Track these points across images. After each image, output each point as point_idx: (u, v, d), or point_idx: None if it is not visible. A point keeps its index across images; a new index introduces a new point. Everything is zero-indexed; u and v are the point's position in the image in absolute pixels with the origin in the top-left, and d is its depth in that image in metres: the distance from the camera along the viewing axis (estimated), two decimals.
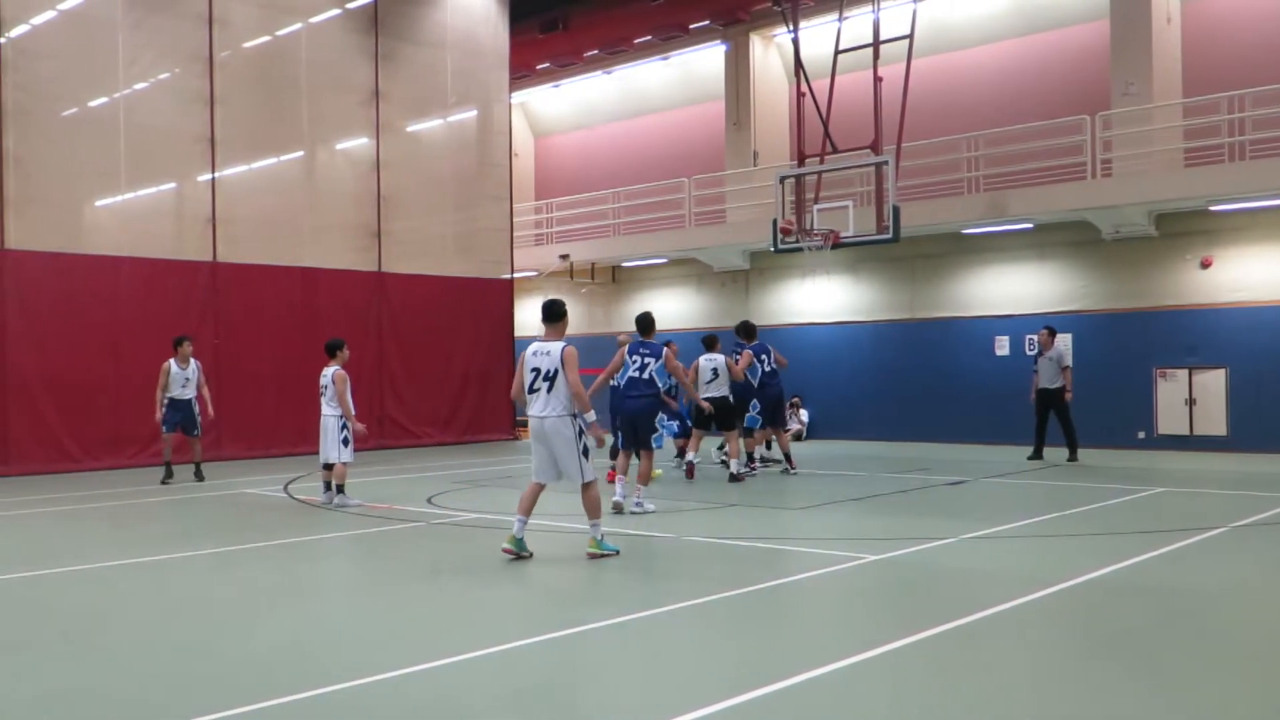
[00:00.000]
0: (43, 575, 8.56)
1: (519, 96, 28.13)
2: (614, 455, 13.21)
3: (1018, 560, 8.69)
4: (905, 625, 6.35)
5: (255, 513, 12.33)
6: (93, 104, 18.17)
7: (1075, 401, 16.89)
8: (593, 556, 8.74)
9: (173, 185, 19.37)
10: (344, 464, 12.16)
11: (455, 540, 10.10)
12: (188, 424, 15.10)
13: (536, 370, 8.76)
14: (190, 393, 15.07)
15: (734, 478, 14.14)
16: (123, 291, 17.91)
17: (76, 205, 18.29)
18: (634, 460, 12.09)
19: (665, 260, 25.14)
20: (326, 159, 21.54)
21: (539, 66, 27.72)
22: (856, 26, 18.85)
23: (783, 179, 18.01)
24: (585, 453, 8.72)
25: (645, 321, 12.51)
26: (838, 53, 17.75)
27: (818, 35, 21.03)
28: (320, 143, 21.22)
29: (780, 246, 17.97)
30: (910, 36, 17.20)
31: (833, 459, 17.87)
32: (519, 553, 8.74)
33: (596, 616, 6.72)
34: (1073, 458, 16.63)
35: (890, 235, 16.76)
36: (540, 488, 8.94)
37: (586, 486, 8.80)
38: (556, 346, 8.78)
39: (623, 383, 12.18)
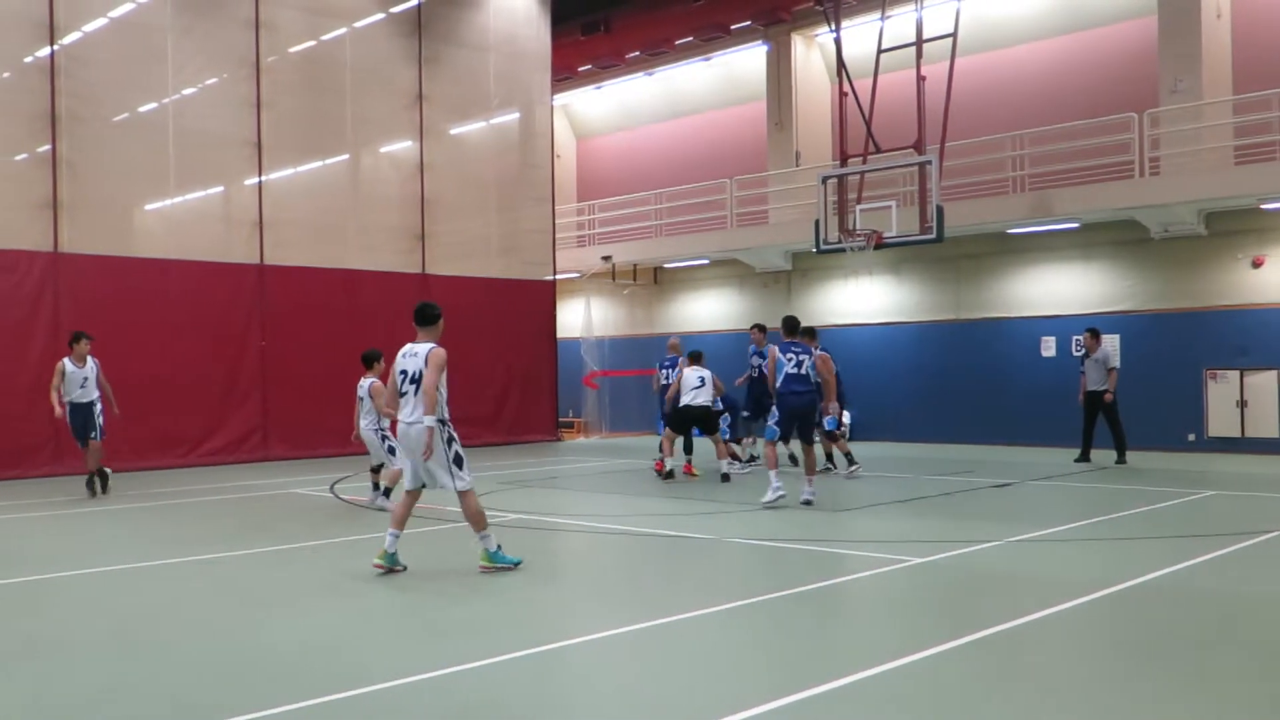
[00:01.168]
0: (95, 573, 8.71)
1: (561, 98, 28.23)
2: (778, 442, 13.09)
3: (1065, 564, 8.59)
4: (951, 629, 6.31)
5: (302, 513, 12.47)
6: (142, 109, 18.45)
7: (1123, 403, 16.66)
8: (485, 570, 8.20)
9: (220, 189, 19.64)
10: (397, 469, 12.23)
11: (500, 541, 10.12)
12: (86, 428, 13.85)
13: (405, 373, 8.28)
14: (90, 394, 13.86)
15: (725, 478, 14.68)
16: (172, 294, 18.17)
17: (127, 209, 18.58)
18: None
19: (707, 261, 25.12)
20: (371, 162, 21.73)
21: (581, 68, 27.80)
22: (899, 25, 18.73)
23: (825, 179, 17.94)
24: (458, 460, 8.19)
25: (792, 323, 12.47)
26: (880, 52, 17.67)
27: (860, 34, 20.92)
28: (364, 146, 21.42)
29: (823, 247, 17.91)
30: (954, 35, 17.09)
31: (876, 461, 17.77)
32: (390, 567, 8.22)
33: (641, 617, 6.73)
34: (1121, 460, 16.41)
35: (934, 235, 16.65)
36: (414, 498, 8.43)
37: (463, 496, 8.24)
38: (424, 348, 8.23)
39: (779, 381, 11.87)
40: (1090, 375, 16.65)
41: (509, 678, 5.53)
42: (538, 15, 23.80)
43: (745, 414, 16.44)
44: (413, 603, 7.56)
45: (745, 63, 26.27)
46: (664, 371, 16.22)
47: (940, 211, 16.51)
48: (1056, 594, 7.18)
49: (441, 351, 8.25)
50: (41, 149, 17.07)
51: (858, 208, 17.67)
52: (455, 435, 8.29)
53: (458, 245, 22.27)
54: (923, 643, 5.99)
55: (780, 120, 24.71)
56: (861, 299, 22.91)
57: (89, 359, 13.92)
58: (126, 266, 17.78)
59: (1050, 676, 5.55)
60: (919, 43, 17.23)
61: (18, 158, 17.10)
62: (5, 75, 17.05)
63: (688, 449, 15.84)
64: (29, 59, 17.06)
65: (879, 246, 17.53)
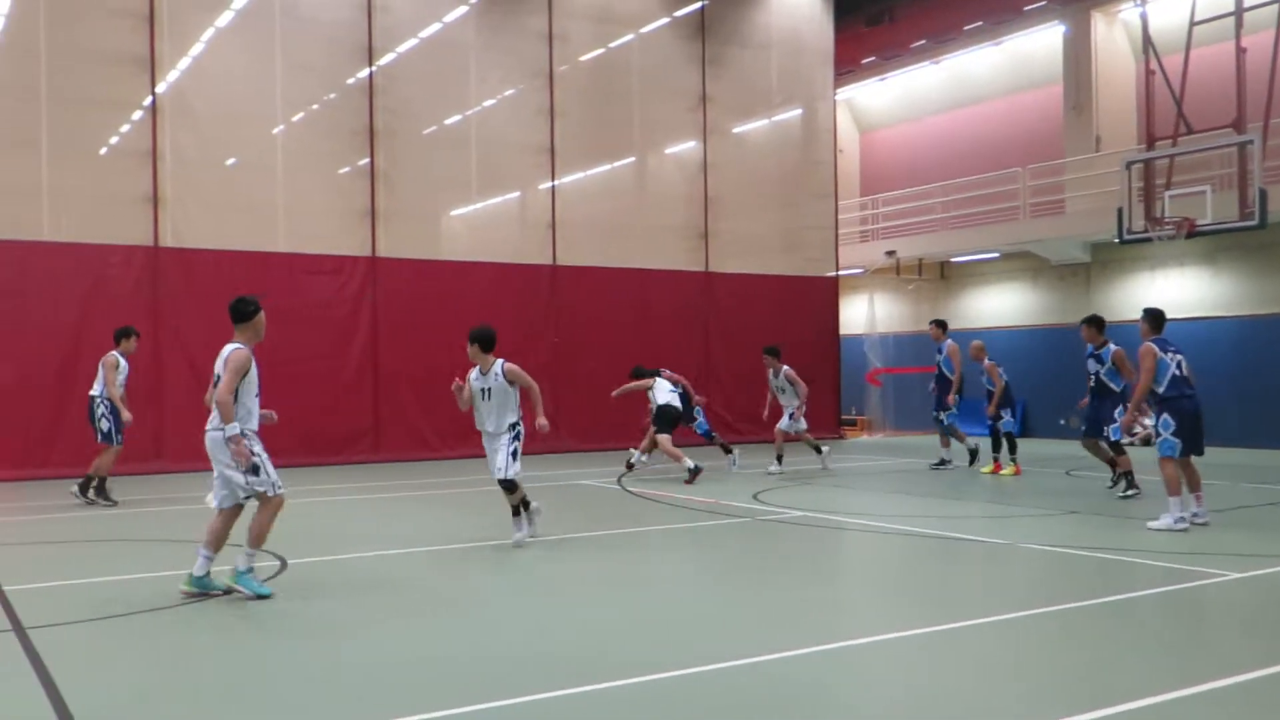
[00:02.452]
0: (405, 554, 9.44)
1: (843, 92, 27.90)
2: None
3: None
4: (1272, 652, 5.79)
5: (590, 504, 12.98)
6: (448, 121, 19.76)
7: None
8: (228, 591, 7.35)
9: (516, 194, 20.76)
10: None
11: (782, 537, 10.18)
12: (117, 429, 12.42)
13: (217, 375, 7.47)
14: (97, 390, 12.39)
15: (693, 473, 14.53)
16: (472, 293, 19.35)
17: (434, 215, 19.98)
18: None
19: (997, 255, 24.13)
20: (656, 163, 22.32)
21: (864, 61, 27.38)
22: None
23: (1130, 164, 16.89)
24: (255, 470, 7.33)
25: (1158, 317, 10.95)
26: (1193, 24, 16.41)
27: (1168, 8, 19.47)
28: (650, 148, 22.02)
29: (1126, 237, 16.87)
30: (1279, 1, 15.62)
31: None
32: (204, 591, 7.34)
33: (924, 621, 6.58)
34: None
35: (1256, 221, 15.34)
36: (230, 514, 7.52)
37: (261, 505, 7.49)
38: (228, 349, 7.47)
39: (1163, 386, 10.22)
40: None
41: (788, 673, 5.54)
42: (821, 11, 23.64)
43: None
44: (694, 597, 7.71)
45: (1038, 45, 25.02)
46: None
47: (1263, 195, 15.18)
48: None
49: (241, 354, 7.40)
50: (361, 162, 18.61)
51: (1166, 194, 16.51)
52: (256, 445, 7.42)
53: (740, 243, 22.48)
54: (1238, 665, 5.53)
55: (1078, 104, 23.37)
56: (1170, 292, 21.29)
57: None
58: (433, 269, 19.10)
59: None
60: (1239, 11, 15.87)
61: (341, 171, 18.73)
62: (331, 96, 18.70)
63: (1010, 448, 15.36)
64: (351, 80, 18.63)
65: (1190, 235, 16.32)
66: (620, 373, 18.83)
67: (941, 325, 16.31)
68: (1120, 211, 16.81)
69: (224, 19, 17.70)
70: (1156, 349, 10.22)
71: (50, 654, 5.89)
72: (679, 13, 21.83)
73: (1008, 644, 6.23)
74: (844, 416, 24.53)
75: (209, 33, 17.65)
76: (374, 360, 18.48)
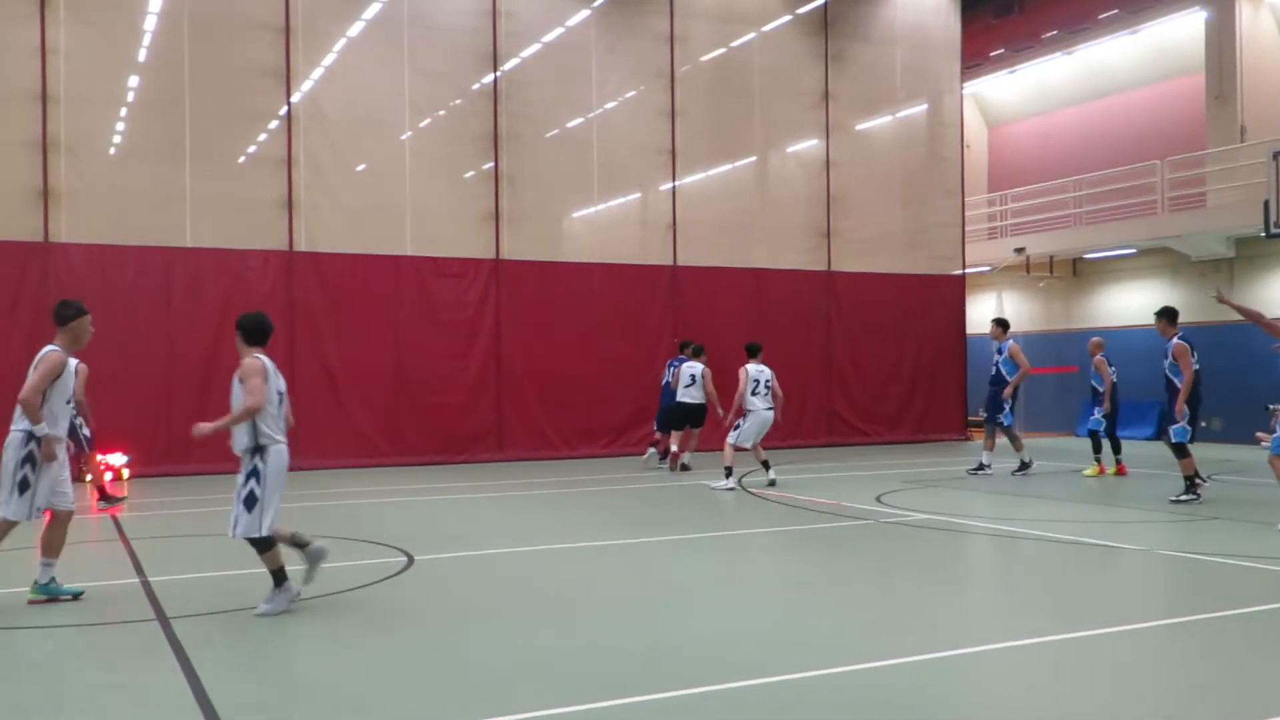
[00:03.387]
0: (528, 551, 9.58)
1: (971, 86, 27.26)
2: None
3: None
4: None
5: (710, 504, 12.96)
6: (570, 124, 19.98)
7: None
8: (32, 603, 7.17)
9: (637, 195, 20.86)
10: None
11: (905, 540, 10.02)
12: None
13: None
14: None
15: (684, 467, 16.06)
16: (595, 294, 19.55)
17: (557, 217, 20.23)
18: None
19: (1133, 251, 23.26)
20: (778, 162, 22.15)
21: (992, 53, 26.72)
22: None
23: (1277, 155, 16.09)
24: (23, 485, 7.07)
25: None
26: None
27: None
28: (771, 146, 21.87)
29: (1274, 230, 16.09)
30: None
31: None
32: (53, 597, 7.22)
33: (1049, 629, 6.39)
34: None
35: None
36: (58, 517, 7.31)
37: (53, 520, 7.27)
38: (44, 350, 7.19)
39: None
40: None
41: (908, 680, 5.46)
42: (947, 4, 23.14)
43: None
44: (815, 600, 7.64)
45: (1178, 33, 24.03)
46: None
47: None
48: None
49: (55, 356, 7.14)
50: (485, 166, 18.96)
51: None
52: (35, 457, 7.13)
53: (863, 241, 22.16)
54: None
55: (1221, 93, 22.37)
56: None
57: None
58: (556, 270, 19.33)
59: None
60: None
61: (466, 175, 19.11)
62: (457, 102, 19.11)
63: (1114, 448, 14.99)
64: (475, 86, 19.00)
65: None
66: (737, 371, 18.75)
67: (1003, 324, 15.86)
68: (1267, 204, 16.07)
69: (355, 29, 18.25)
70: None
71: (193, 645, 6.16)
72: (801, 10, 21.63)
73: (1139, 654, 6.01)
74: (971, 418, 23.96)
75: (340, 43, 18.23)
76: (497, 360, 18.80)
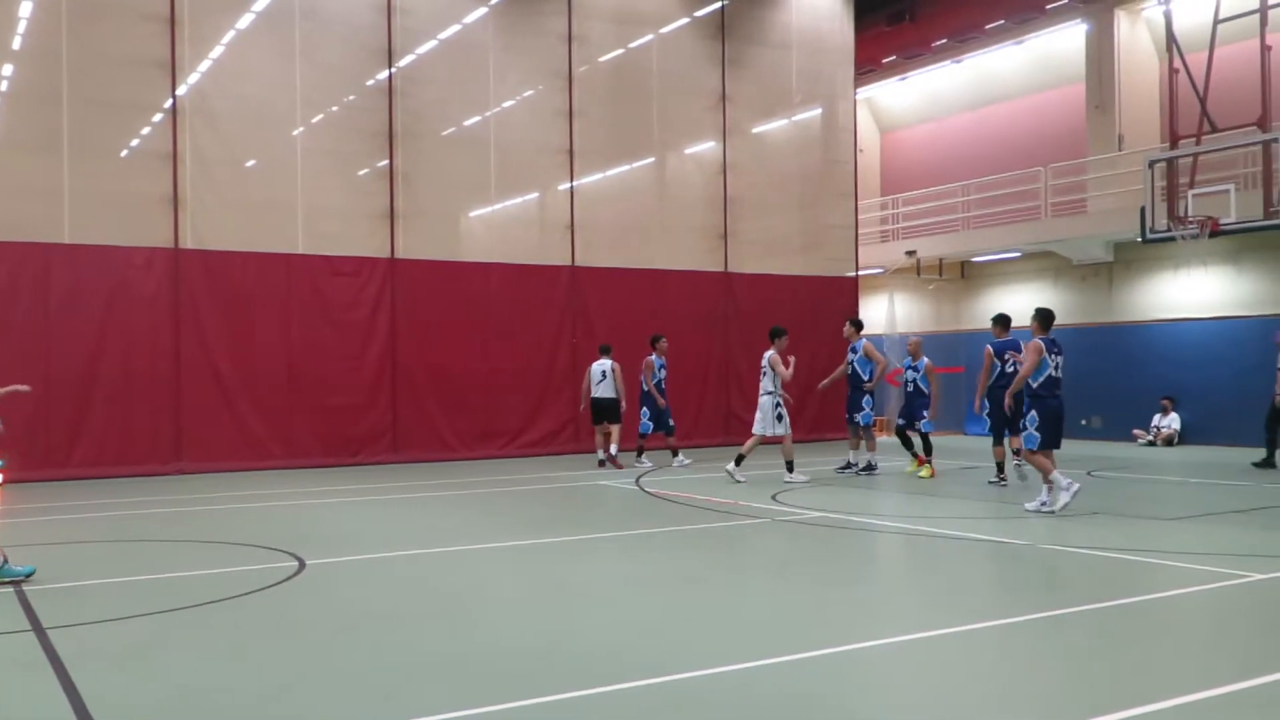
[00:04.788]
0: (423, 554, 9.44)
1: (864, 92, 27.80)
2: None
3: None
4: None
5: (606, 504, 12.95)
6: (467, 123, 19.77)
7: None
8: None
9: (536, 195, 20.75)
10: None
11: (800, 537, 10.14)
12: None
13: None
14: None
15: (610, 461, 16.77)
16: (493, 294, 19.38)
17: (454, 216, 19.99)
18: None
19: (1019, 254, 23.99)
20: (676, 164, 22.26)
21: (885, 60, 27.27)
22: None
23: (1153, 163, 16.74)
24: None
25: (1048, 317, 12.08)
26: (1217, 22, 16.26)
27: (1192, 5, 19.30)
28: (670, 148, 21.97)
29: (1150, 236, 16.73)
30: None
31: (1209, 467, 16.37)
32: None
33: (945, 623, 6.53)
34: None
35: None
36: None
37: None
38: None
39: (1038, 383, 11.18)
40: None
41: (808, 675, 5.51)
42: (841, 10, 23.55)
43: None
44: (713, 596, 7.68)
45: (1061, 44, 24.86)
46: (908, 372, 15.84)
47: None
48: None
49: None
50: (380, 164, 18.65)
51: (1190, 193, 16.37)
52: None
53: (760, 243, 22.41)
54: (1261, 667, 5.46)
55: (1101, 103, 23.21)
56: (1193, 292, 21.14)
57: None
58: (453, 270, 19.11)
59: None
60: (1263, 9, 15.71)
61: (360, 172, 18.78)
62: (351, 98, 18.75)
63: (926, 450, 15.42)
64: (370, 82, 18.68)
65: (1215, 234, 16.16)
66: (638, 371, 18.88)
67: (857, 324, 16.05)
68: (1143, 210, 16.68)
69: (244, 21, 17.76)
70: (1043, 347, 11.20)
71: (71, 655, 5.91)
72: (699, 13, 21.79)
73: (1026, 646, 6.17)
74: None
75: (229, 35, 17.72)
76: (393, 361, 18.51)
